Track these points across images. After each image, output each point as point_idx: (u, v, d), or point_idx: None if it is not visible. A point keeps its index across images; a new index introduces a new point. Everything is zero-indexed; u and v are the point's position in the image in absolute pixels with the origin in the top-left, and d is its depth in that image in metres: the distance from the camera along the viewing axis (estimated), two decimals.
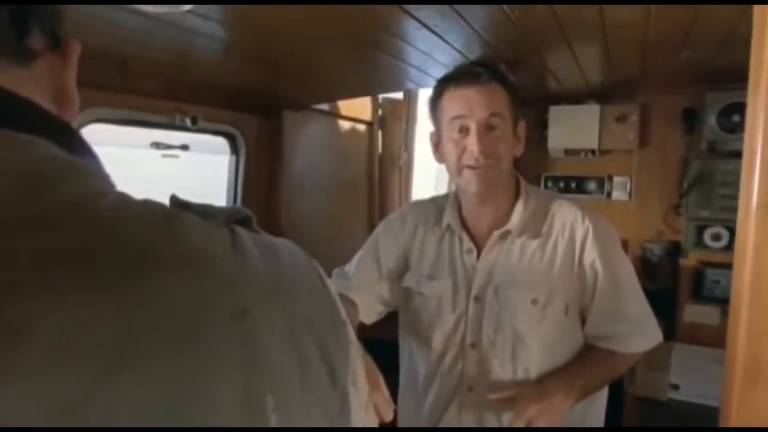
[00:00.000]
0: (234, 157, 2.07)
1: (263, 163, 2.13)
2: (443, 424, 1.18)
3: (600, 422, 1.24)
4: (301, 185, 2.26)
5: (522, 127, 1.16)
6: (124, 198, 0.34)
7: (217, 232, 0.35)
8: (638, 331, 1.15)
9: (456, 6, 1.05)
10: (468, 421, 1.15)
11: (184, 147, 1.74)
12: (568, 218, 1.13)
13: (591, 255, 1.11)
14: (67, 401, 0.26)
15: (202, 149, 2.04)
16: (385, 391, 0.96)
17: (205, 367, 0.30)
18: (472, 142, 1.06)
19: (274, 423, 0.32)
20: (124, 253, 0.30)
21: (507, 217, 1.15)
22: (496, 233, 1.14)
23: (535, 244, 1.13)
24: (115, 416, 0.27)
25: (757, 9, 0.70)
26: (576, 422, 1.14)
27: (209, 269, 0.32)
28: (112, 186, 0.36)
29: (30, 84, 0.40)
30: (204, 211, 0.37)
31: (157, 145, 1.66)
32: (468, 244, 1.17)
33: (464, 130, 1.08)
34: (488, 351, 1.12)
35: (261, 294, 0.34)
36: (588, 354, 1.15)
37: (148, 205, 0.34)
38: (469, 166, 1.08)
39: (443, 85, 1.13)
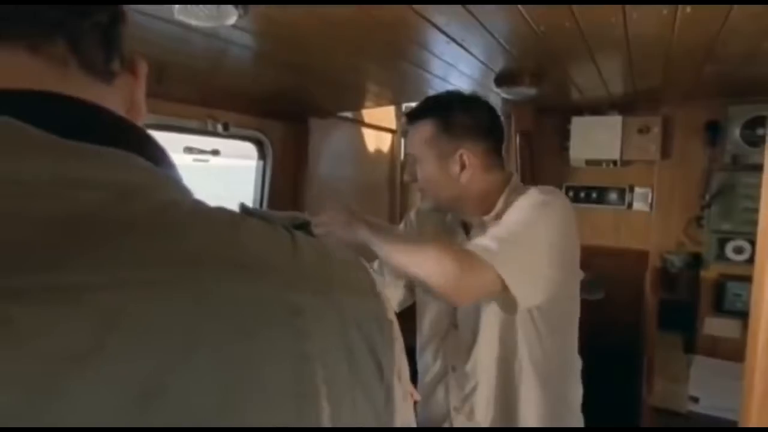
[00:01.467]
0: (261, 162, 2.13)
1: (289, 168, 2.19)
2: (433, 406, 1.27)
3: (568, 356, 1.25)
4: (325, 189, 2.31)
5: (462, 154, 1.17)
6: (198, 205, 0.38)
7: (279, 235, 0.39)
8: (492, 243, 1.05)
9: (483, 20, 1.09)
10: (453, 401, 1.24)
11: (215, 152, 1.80)
12: (521, 195, 1.14)
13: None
14: (151, 381, 0.30)
15: (230, 154, 2.11)
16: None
17: (261, 358, 0.33)
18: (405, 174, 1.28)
19: (325, 414, 0.35)
20: (196, 255, 0.34)
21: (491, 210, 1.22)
22: (476, 221, 1.21)
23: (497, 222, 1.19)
24: (188, 397, 0.30)
25: None
26: (525, 352, 1.17)
27: (268, 271, 0.36)
28: (188, 193, 0.40)
29: (112, 100, 0.44)
30: (267, 217, 0.40)
31: (189, 150, 1.72)
32: (461, 234, 1.26)
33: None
34: (462, 327, 1.22)
35: (315, 294, 0.37)
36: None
37: (218, 212, 0.38)
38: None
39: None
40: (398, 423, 0.42)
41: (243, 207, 0.42)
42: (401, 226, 1.43)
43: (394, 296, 1.37)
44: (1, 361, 0.27)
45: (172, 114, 1.68)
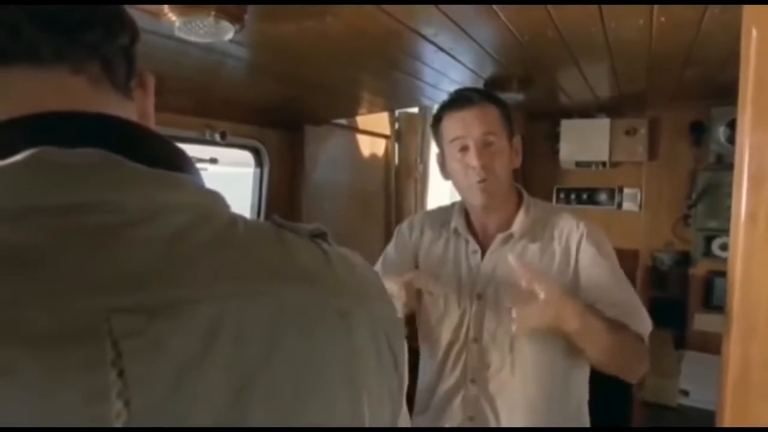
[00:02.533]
0: (258, 170, 2.17)
1: (285, 175, 2.23)
2: (448, 416, 1.26)
3: (583, 390, 1.28)
4: (322, 196, 2.35)
5: (517, 140, 1.27)
6: (247, 221, 0.43)
7: (311, 247, 0.45)
8: (638, 316, 1.17)
9: (468, 30, 1.14)
10: (471, 413, 1.22)
11: (213, 160, 1.84)
12: (565, 224, 1.23)
13: (586, 255, 1.19)
14: (245, 376, 0.36)
15: (226, 162, 2.15)
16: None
17: (323, 353, 0.41)
18: (472, 158, 1.17)
19: (365, 399, 0.43)
20: (266, 269, 0.41)
21: (509, 223, 1.25)
22: (500, 236, 1.24)
23: (534, 247, 1.22)
24: (273, 388, 0.37)
25: (744, 31, 0.78)
26: (558, 392, 1.20)
27: (317, 281, 0.43)
28: (228, 206, 0.45)
29: (133, 115, 0.47)
30: (295, 229, 0.46)
31: None
32: (474, 245, 1.27)
33: (464, 149, 1.19)
34: (488, 345, 1.21)
35: (353, 298, 0.45)
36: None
37: (264, 227, 0.44)
38: (473, 183, 1.19)
39: (442, 110, 1.26)
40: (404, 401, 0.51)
41: (275, 219, 0.47)
42: (393, 241, 1.41)
43: None
44: (148, 367, 0.32)
45: (171, 124, 1.72)
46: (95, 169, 0.36)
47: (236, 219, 0.42)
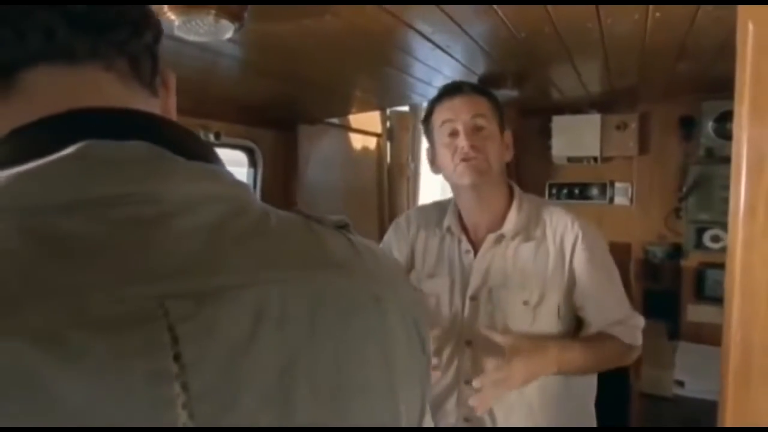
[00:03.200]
0: (252, 170, 2.16)
1: (279, 174, 2.22)
2: (441, 416, 1.23)
3: (588, 391, 1.29)
4: (315, 194, 2.34)
5: (508, 135, 1.26)
6: (278, 212, 0.45)
7: (338, 237, 0.47)
8: (627, 325, 1.21)
9: (466, 27, 1.14)
10: (466, 414, 1.20)
11: None
12: (559, 223, 1.21)
13: (579, 260, 1.18)
14: (289, 359, 0.37)
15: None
16: None
17: (361, 335, 0.43)
18: (461, 140, 1.17)
19: (397, 380, 0.45)
20: (304, 257, 0.42)
21: (501, 221, 1.23)
22: (491, 236, 1.22)
23: (527, 247, 1.21)
24: (316, 369, 0.39)
25: (740, 26, 0.79)
26: (556, 394, 1.20)
27: (351, 268, 0.45)
28: (258, 199, 0.46)
29: (158, 111, 0.47)
30: (321, 220, 0.47)
31: None
32: (466, 245, 1.24)
33: (454, 134, 1.19)
34: (482, 348, 1.16)
35: (383, 284, 0.47)
36: (589, 336, 1.22)
37: (294, 218, 0.45)
38: (461, 160, 1.18)
39: (432, 103, 1.27)
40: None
41: (300, 211, 0.48)
42: (390, 234, 1.40)
43: None
44: (201, 351, 0.33)
45: None
46: (142, 162, 0.38)
47: (268, 210, 0.44)
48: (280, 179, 2.24)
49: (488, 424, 1.19)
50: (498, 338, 1.10)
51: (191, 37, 0.96)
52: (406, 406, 0.46)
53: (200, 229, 0.37)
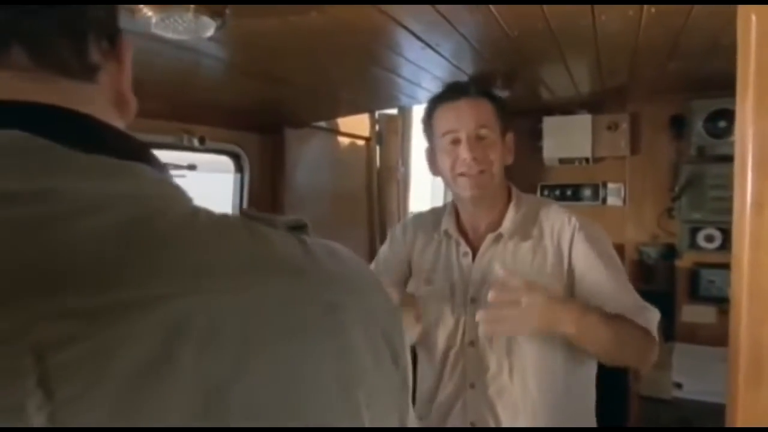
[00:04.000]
0: (238, 175, 2.11)
1: (266, 180, 2.17)
2: (450, 422, 1.22)
3: (589, 392, 1.26)
4: (303, 200, 2.30)
5: (510, 137, 1.24)
6: (210, 213, 0.38)
7: (288, 239, 0.40)
8: (639, 310, 1.15)
9: (457, 25, 1.11)
10: (473, 418, 1.19)
11: (192, 167, 1.78)
12: (556, 220, 1.20)
13: (578, 253, 1.16)
14: (217, 384, 0.31)
15: (206, 169, 2.08)
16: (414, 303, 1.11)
17: (309, 355, 0.36)
18: (464, 151, 1.15)
19: (362, 400, 0.38)
20: (231, 261, 0.35)
21: (500, 221, 1.22)
22: (490, 236, 1.21)
23: (526, 246, 1.19)
24: (251, 396, 0.32)
25: (741, 19, 0.77)
26: (561, 395, 1.17)
27: (300, 274, 0.38)
28: (191, 199, 0.40)
29: (100, 100, 0.41)
30: (270, 221, 0.41)
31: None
32: (464, 247, 1.24)
33: (456, 142, 1.17)
34: (486, 349, 1.18)
35: (341, 291, 0.40)
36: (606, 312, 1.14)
37: (233, 220, 0.39)
38: (462, 174, 1.16)
39: (434, 103, 1.23)
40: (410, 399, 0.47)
41: (246, 212, 0.42)
42: (387, 243, 1.39)
43: None
44: (87, 383, 0.27)
45: (146, 130, 1.65)
46: (16, 154, 0.32)
47: (198, 212, 0.38)
48: (268, 184, 2.19)
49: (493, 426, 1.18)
50: (515, 280, 1.02)
51: (170, 35, 0.91)
52: (379, 424, 0.40)
53: (100, 234, 0.31)
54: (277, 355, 0.34)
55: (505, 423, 1.16)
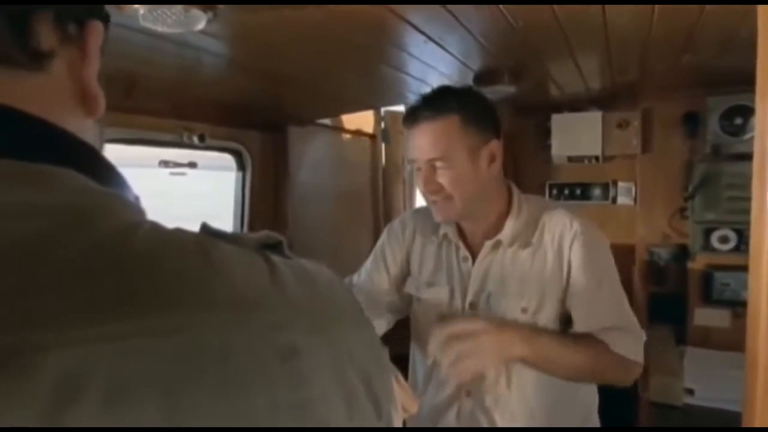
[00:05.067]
0: (241, 173, 2.08)
1: (269, 178, 2.15)
2: (441, 426, 1.20)
3: (590, 400, 1.23)
4: (307, 198, 2.27)
5: (494, 145, 1.13)
6: (157, 229, 0.32)
7: (254, 262, 0.34)
8: (623, 333, 1.12)
9: (462, 18, 1.06)
10: (464, 423, 1.17)
11: (192, 164, 1.75)
12: (557, 226, 1.15)
13: (576, 256, 1.12)
14: None
15: (208, 166, 2.06)
16: (406, 386, 0.99)
17: (253, 413, 0.29)
18: (420, 182, 1.13)
19: None
20: (163, 294, 0.29)
21: (498, 228, 1.17)
22: (488, 243, 1.17)
23: (525, 253, 1.15)
24: None
25: (762, 11, 0.71)
26: (560, 404, 1.15)
27: (252, 307, 0.31)
28: (141, 213, 0.35)
29: (49, 94, 0.35)
30: (236, 239, 0.35)
31: (165, 164, 1.67)
32: (464, 252, 1.20)
33: (419, 169, 1.13)
34: None
35: (306, 331, 0.33)
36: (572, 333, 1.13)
37: (182, 236, 0.33)
38: (432, 200, 1.14)
39: (404, 120, 1.17)
40: None
41: (206, 228, 0.36)
42: (384, 238, 1.35)
43: (380, 318, 1.27)
44: None
45: (146, 127, 1.63)
46: None
47: (136, 225, 0.31)
48: (270, 183, 2.16)
49: None
50: (461, 324, 1.05)
51: (159, 28, 0.88)
52: None
53: None
54: (210, 417, 0.27)
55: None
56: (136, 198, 0.38)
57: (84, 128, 0.39)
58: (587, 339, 1.09)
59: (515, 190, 1.22)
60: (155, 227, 0.32)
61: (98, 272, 0.28)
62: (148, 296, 0.28)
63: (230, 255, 0.33)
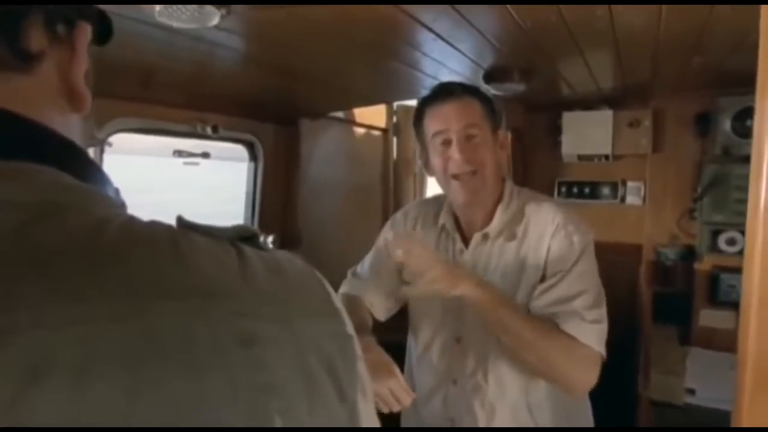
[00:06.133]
0: (252, 164, 2.12)
1: (281, 170, 2.18)
2: (427, 414, 1.24)
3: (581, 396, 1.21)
4: (318, 191, 2.30)
5: (502, 134, 1.22)
6: (130, 223, 0.34)
7: (225, 253, 0.35)
8: (578, 313, 1.07)
9: (470, 17, 1.08)
10: (452, 414, 1.20)
11: (205, 155, 1.80)
12: (541, 218, 1.17)
13: (553, 251, 1.13)
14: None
15: (221, 156, 2.10)
16: (401, 378, 1.02)
17: (214, 396, 0.30)
18: (454, 152, 1.13)
19: None
20: (136, 284, 0.30)
21: (491, 219, 1.20)
22: (477, 235, 1.20)
23: (510, 246, 1.17)
24: None
25: (764, 13, 0.72)
26: (543, 396, 1.15)
27: (217, 296, 0.33)
28: (118, 208, 0.36)
29: (36, 94, 0.36)
30: (210, 232, 0.36)
31: (179, 153, 1.71)
32: (460, 244, 1.23)
33: (447, 143, 1.15)
34: (470, 345, 1.18)
35: (269, 319, 0.34)
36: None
37: (154, 229, 0.34)
38: (455, 176, 1.15)
39: (422, 105, 1.22)
40: None
41: (182, 221, 0.38)
42: (388, 227, 1.39)
43: (381, 305, 1.30)
44: None
45: (160, 118, 1.67)
46: None
47: (110, 219, 0.32)
48: (282, 174, 2.19)
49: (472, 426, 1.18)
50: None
51: (175, 24, 0.91)
52: None
53: None
54: (170, 399, 0.29)
55: (482, 422, 1.16)
56: (116, 191, 0.40)
57: (70, 125, 0.40)
58: (541, 317, 1.07)
59: (508, 182, 1.24)
60: (130, 220, 0.34)
61: (69, 261, 0.29)
62: (114, 284, 0.30)
63: (200, 246, 0.34)
